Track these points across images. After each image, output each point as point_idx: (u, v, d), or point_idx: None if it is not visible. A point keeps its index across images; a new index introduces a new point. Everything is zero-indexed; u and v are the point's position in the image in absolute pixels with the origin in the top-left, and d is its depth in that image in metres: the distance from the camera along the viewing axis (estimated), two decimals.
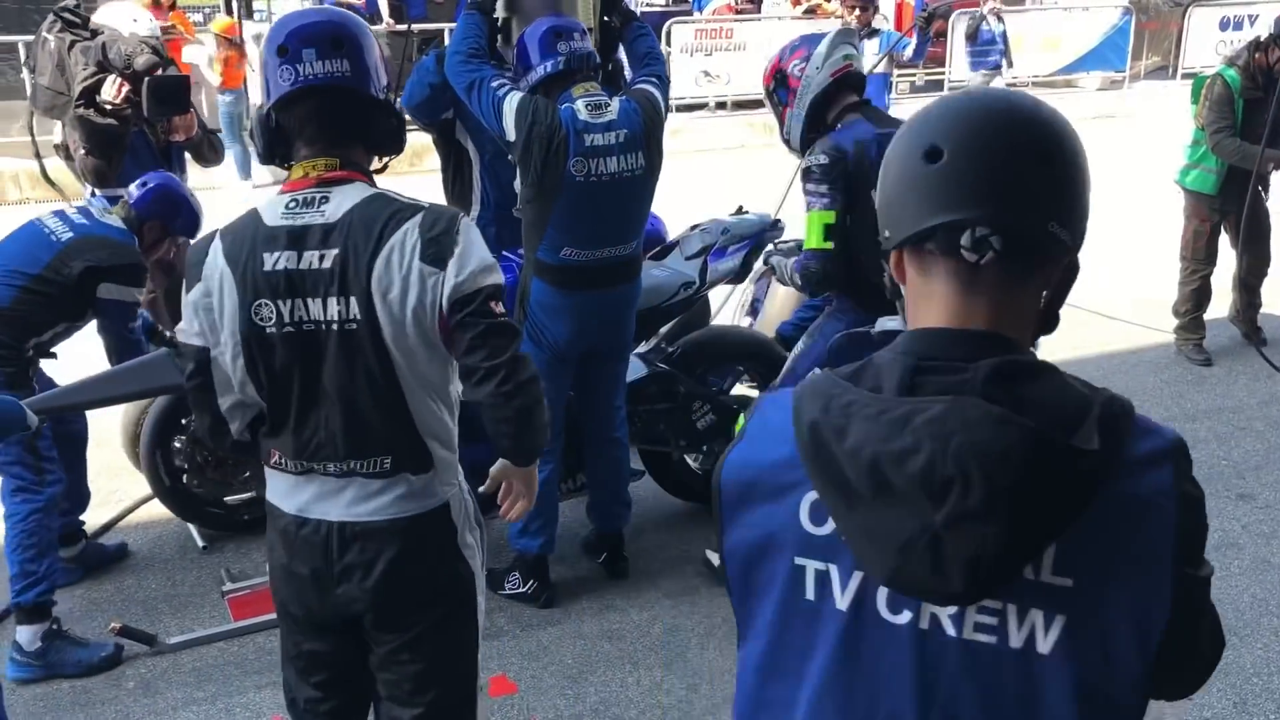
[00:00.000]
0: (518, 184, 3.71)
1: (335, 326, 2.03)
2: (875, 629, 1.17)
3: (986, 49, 12.69)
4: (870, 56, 7.54)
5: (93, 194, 4.41)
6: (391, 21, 12.95)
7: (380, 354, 2.04)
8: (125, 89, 4.24)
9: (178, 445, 4.23)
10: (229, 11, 13.47)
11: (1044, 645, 1.11)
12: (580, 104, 3.59)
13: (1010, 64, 13.11)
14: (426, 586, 2.21)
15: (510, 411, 2.12)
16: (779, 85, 3.74)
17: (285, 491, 2.19)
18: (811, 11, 14.37)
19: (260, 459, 2.21)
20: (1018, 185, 1.13)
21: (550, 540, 3.99)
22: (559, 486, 4.09)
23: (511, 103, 3.56)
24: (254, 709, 3.44)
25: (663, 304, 4.37)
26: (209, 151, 4.74)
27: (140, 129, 4.40)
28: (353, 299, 2.01)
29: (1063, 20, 15.76)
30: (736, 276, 4.60)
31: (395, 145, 2.22)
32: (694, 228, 4.65)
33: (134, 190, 3.82)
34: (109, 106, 4.21)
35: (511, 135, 3.57)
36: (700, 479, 4.66)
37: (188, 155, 4.74)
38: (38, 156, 4.73)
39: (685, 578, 4.17)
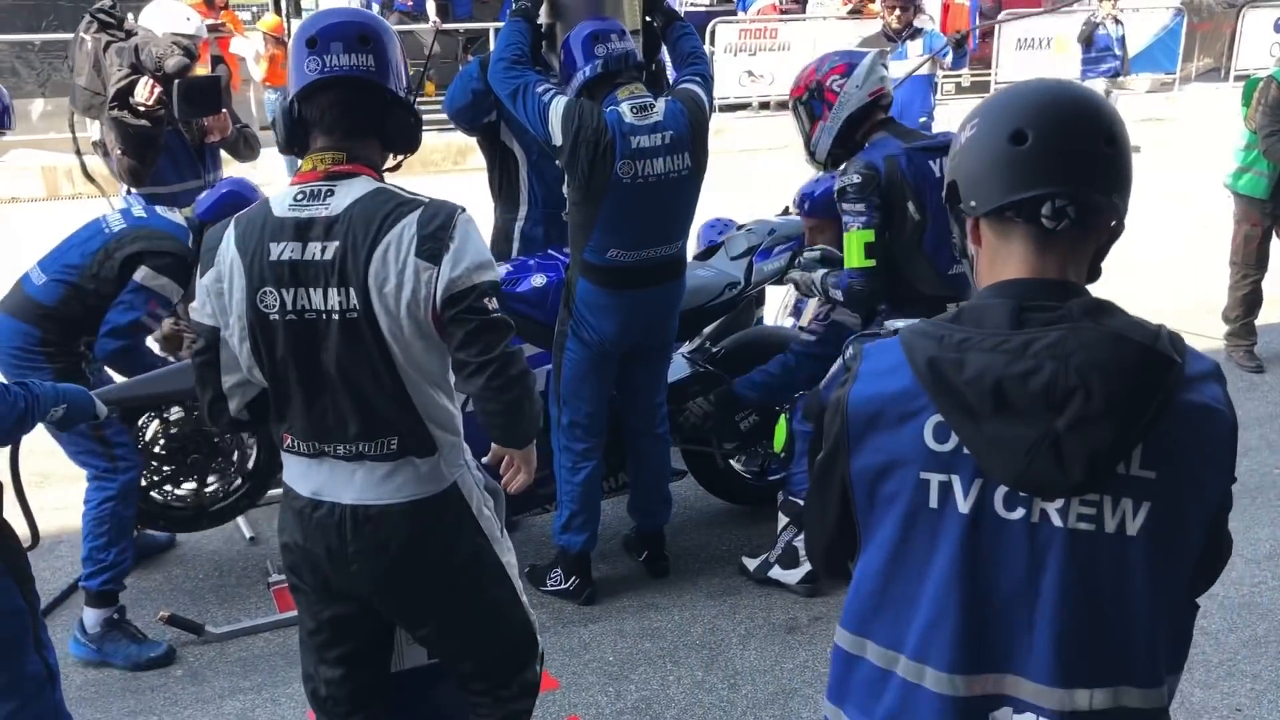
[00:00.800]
0: (565, 187, 3.73)
1: (336, 316, 2.11)
2: (993, 526, 1.41)
3: (1102, 55, 11.96)
4: (914, 58, 7.46)
5: (128, 192, 4.48)
6: (438, 21, 13.02)
7: (379, 343, 2.12)
8: (157, 90, 4.28)
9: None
10: (278, 10, 13.62)
11: (1132, 529, 1.38)
12: (625, 106, 3.60)
13: (1126, 70, 12.41)
14: (440, 566, 2.30)
15: (501, 405, 2.20)
16: (814, 97, 3.76)
17: (300, 474, 2.28)
18: (857, 12, 14.29)
19: (275, 442, 2.32)
20: (1091, 164, 1.39)
21: (592, 537, 4.01)
22: (601, 485, 4.10)
23: (557, 108, 3.58)
24: (299, 700, 3.47)
25: (707, 304, 4.37)
26: (244, 148, 4.79)
27: (174, 128, 4.45)
28: (351, 290, 2.09)
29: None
30: (782, 277, 4.58)
31: (410, 143, 2.28)
32: (740, 228, 4.65)
33: (203, 195, 3.85)
34: (142, 108, 4.26)
35: (558, 140, 3.59)
36: (742, 479, 4.66)
37: (223, 153, 4.78)
38: (78, 154, 4.80)
39: (726, 577, 4.17)
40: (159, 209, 3.81)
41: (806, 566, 3.98)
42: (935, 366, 1.38)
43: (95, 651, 3.61)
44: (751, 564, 4.13)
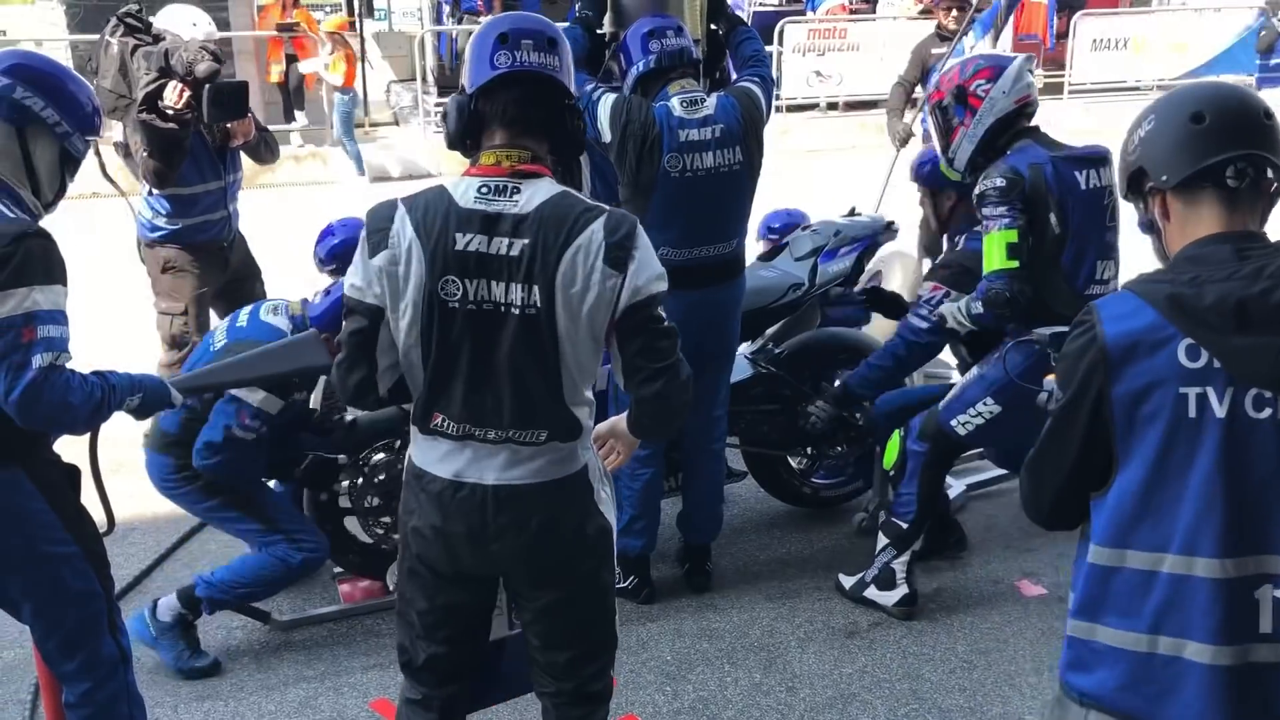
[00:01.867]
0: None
1: (516, 310, 2.17)
2: (1245, 426, 1.70)
3: None
4: (970, 53, 7.32)
5: (150, 193, 4.58)
6: None
7: (553, 341, 2.19)
8: (186, 94, 4.34)
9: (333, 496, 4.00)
10: (350, 10, 13.82)
11: None
12: (675, 100, 3.60)
13: None
14: (574, 542, 2.37)
15: (665, 411, 2.33)
16: (957, 101, 3.62)
17: (439, 457, 2.32)
18: (928, 12, 14.12)
19: (413, 423, 2.34)
20: (1259, 132, 1.77)
21: (651, 541, 4.01)
22: (661, 487, 4.08)
23: (605, 104, 3.59)
24: (360, 689, 3.53)
25: (770, 305, 4.35)
26: (265, 151, 4.84)
27: (198, 131, 4.51)
28: (536, 288, 2.16)
29: (1193, 21, 15.20)
30: (848, 279, 4.54)
31: (576, 148, 2.38)
32: (805, 228, 4.63)
33: (318, 298, 3.71)
34: (171, 111, 4.32)
35: (607, 136, 3.60)
36: (803, 482, 4.63)
37: (244, 155, 4.84)
38: (97, 153, 4.89)
39: (785, 579, 4.15)
40: (261, 312, 3.71)
41: (903, 589, 3.89)
42: (1176, 300, 1.71)
43: (151, 637, 3.64)
44: (848, 582, 4.04)
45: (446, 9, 13.68)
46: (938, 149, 3.82)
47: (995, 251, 3.41)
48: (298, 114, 12.84)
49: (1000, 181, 3.42)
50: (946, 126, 3.68)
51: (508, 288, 2.17)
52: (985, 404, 3.67)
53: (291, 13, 12.61)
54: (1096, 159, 3.54)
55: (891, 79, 7.31)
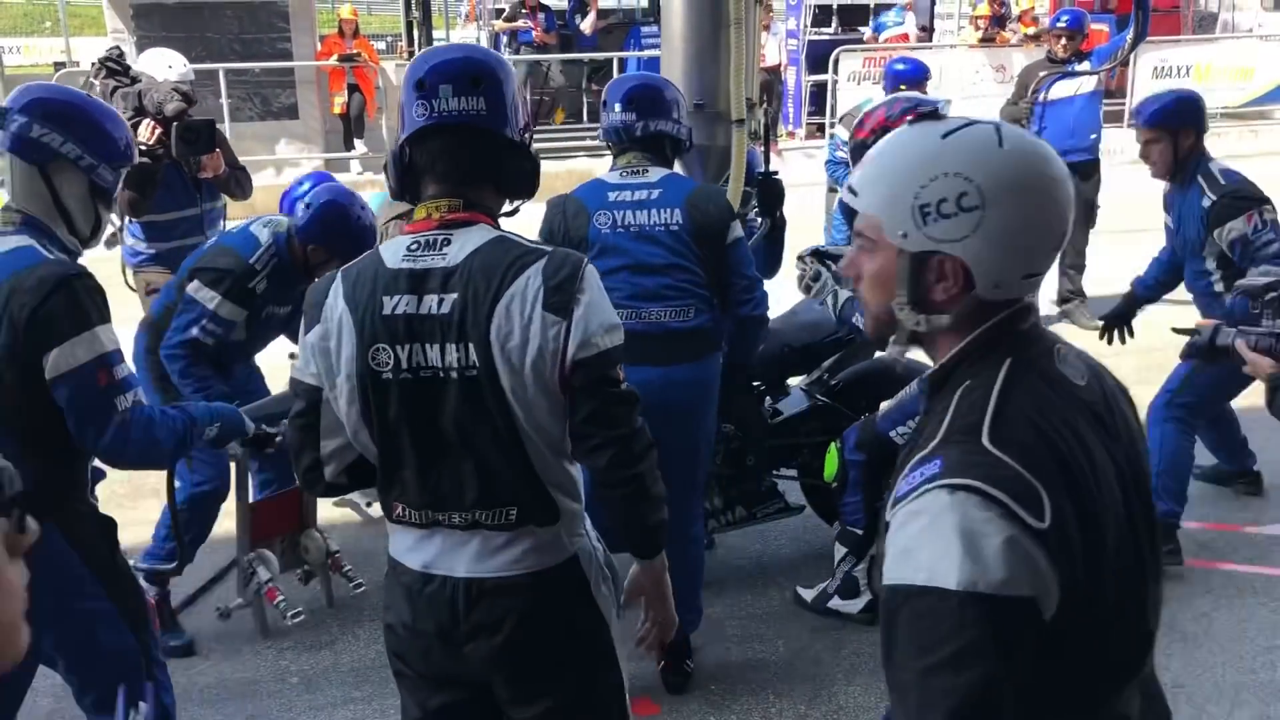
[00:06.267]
0: None
1: (455, 374, 1.95)
2: None
3: None
4: (1088, 81, 7.31)
5: (130, 221, 4.91)
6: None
7: (500, 404, 1.95)
8: (158, 131, 4.67)
9: None
10: (410, 40, 14.04)
11: None
12: (615, 173, 3.47)
13: None
14: (561, 644, 2.11)
15: (626, 481, 2.04)
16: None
17: (409, 547, 2.10)
18: (989, 40, 14.07)
19: (385, 514, 2.15)
20: None
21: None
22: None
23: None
24: None
25: (822, 340, 4.35)
26: (235, 187, 5.08)
27: (173, 163, 4.80)
28: (471, 346, 1.93)
29: (1257, 48, 14.98)
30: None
31: (527, 188, 2.13)
32: None
33: (300, 209, 3.86)
34: (143, 147, 4.59)
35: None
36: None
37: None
38: None
39: (829, 613, 4.12)
40: (254, 226, 3.87)
41: (867, 596, 3.96)
42: None
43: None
44: (808, 594, 4.10)
45: (504, 39, 13.86)
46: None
47: None
48: (356, 142, 13.07)
49: None
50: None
51: (443, 349, 1.94)
52: None
53: (351, 43, 12.84)
54: None
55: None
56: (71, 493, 2.49)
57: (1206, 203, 4.14)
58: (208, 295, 3.66)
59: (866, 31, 15.34)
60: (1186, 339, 2.80)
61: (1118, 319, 4.57)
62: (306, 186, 4.39)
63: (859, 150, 3.88)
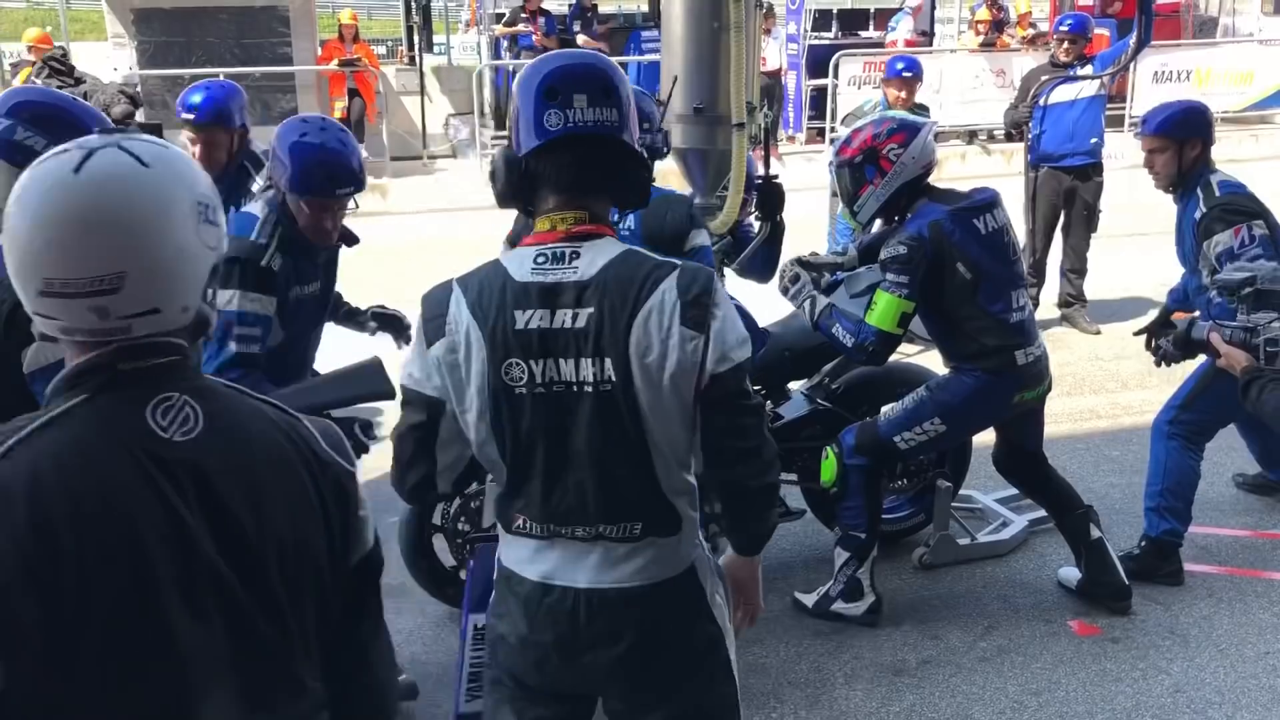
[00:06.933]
0: None
1: (589, 388, 1.95)
2: None
3: None
4: (1090, 85, 7.28)
5: None
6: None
7: (634, 417, 1.96)
8: None
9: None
10: (410, 45, 14.06)
11: None
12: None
13: None
14: (679, 653, 2.10)
15: (753, 497, 2.12)
16: (868, 161, 3.81)
17: (526, 557, 2.09)
18: (990, 44, 14.06)
19: (498, 521, 2.15)
20: None
21: None
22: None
23: None
24: None
25: (821, 344, 4.33)
26: None
27: None
28: (608, 360, 1.94)
29: (1257, 53, 14.97)
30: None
31: (640, 198, 2.14)
32: (866, 266, 4.60)
33: (186, 111, 3.79)
34: None
35: None
36: None
37: None
38: None
39: (832, 616, 4.11)
40: (246, 208, 3.39)
41: (870, 599, 3.97)
42: None
43: None
44: (807, 599, 4.10)
45: (504, 44, 13.87)
46: (843, 201, 4.01)
47: (889, 315, 3.73)
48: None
49: (902, 250, 3.69)
50: (856, 182, 3.86)
51: (577, 364, 1.94)
52: (933, 423, 3.91)
53: (351, 47, 12.85)
54: (987, 205, 3.81)
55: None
56: None
57: (1198, 215, 4.07)
58: (224, 298, 3.17)
59: (870, 35, 15.33)
60: (1152, 343, 2.86)
61: (1157, 329, 4.43)
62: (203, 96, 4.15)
63: (843, 169, 3.87)
